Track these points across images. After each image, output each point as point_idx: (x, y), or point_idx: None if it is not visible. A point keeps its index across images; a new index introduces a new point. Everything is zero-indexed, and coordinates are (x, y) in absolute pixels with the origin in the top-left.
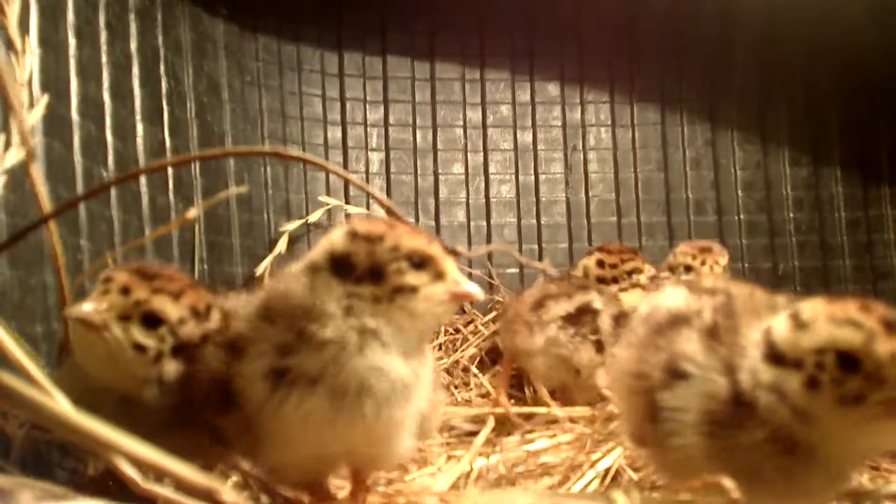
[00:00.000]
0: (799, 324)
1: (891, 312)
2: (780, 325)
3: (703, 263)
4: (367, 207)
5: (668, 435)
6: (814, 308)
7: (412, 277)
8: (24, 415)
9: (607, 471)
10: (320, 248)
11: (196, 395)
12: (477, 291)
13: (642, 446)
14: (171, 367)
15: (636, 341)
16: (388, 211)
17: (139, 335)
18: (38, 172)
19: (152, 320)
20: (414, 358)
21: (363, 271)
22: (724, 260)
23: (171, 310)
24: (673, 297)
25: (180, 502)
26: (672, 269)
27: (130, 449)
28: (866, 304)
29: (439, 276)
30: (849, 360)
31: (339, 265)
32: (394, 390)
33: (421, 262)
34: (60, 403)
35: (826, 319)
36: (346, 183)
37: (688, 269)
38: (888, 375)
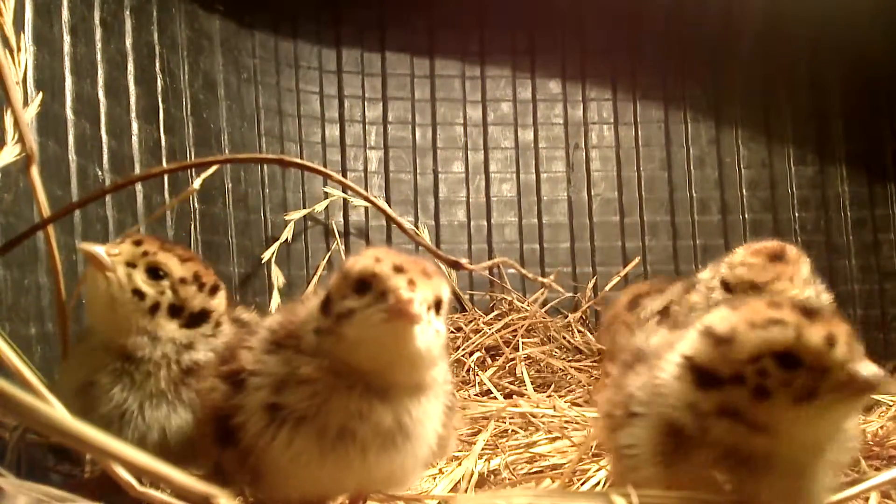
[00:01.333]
0: (718, 339)
1: (798, 301)
2: (697, 348)
3: (776, 280)
4: (366, 207)
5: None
6: (724, 320)
7: (351, 301)
8: (20, 421)
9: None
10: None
11: (198, 429)
12: (417, 309)
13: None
14: (167, 326)
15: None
16: (388, 217)
17: (140, 281)
18: (37, 175)
19: (155, 272)
20: (399, 400)
21: (325, 303)
22: (805, 269)
23: (175, 267)
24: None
25: None
26: (730, 288)
27: (126, 455)
28: (770, 301)
29: (381, 295)
30: (788, 359)
31: (326, 297)
32: (378, 436)
33: (363, 285)
34: (57, 409)
35: (747, 327)
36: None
37: (754, 287)
38: (829, 361)
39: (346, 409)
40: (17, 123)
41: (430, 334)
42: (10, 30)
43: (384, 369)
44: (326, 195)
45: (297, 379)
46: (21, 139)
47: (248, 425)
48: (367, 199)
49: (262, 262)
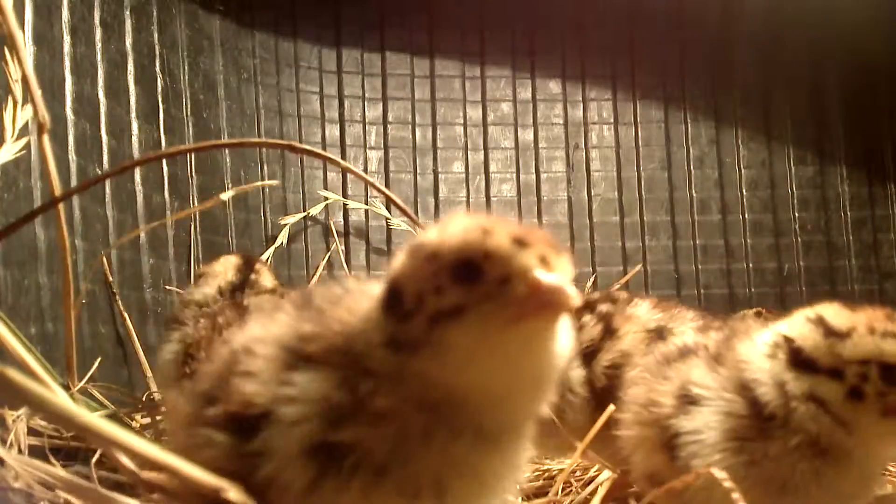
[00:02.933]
0: (830, 331)
1: None
2: (802, 332)
3: None
4: (366, 202)
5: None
6: (841, 316)
7: (453, 295)
8: (30, 409)
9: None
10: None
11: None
12: (570, 291)
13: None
14: None
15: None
16: (406, 214)
17: None
18: (48, 144)
19: None
20: (508, 439)
21: (393, 301)
22: None
23: None
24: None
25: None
26: None
27: (131, 444)
28: (891, 313)
29: (503, 282)
30: (892, 372)
31: (391, 294)
32: (483, 489)
33: (469, 270)
34: (64, 400)
35: (866, 330)
36: (344, 180)
37: None
38: None
39: (447, 456)
40: (29, 91)
41: (568, 339)
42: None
43: (504, 396)
44: (326, 198)
45: (370, 412)
46: (34, 107)
47: (285, 479)
48: (374, 186)
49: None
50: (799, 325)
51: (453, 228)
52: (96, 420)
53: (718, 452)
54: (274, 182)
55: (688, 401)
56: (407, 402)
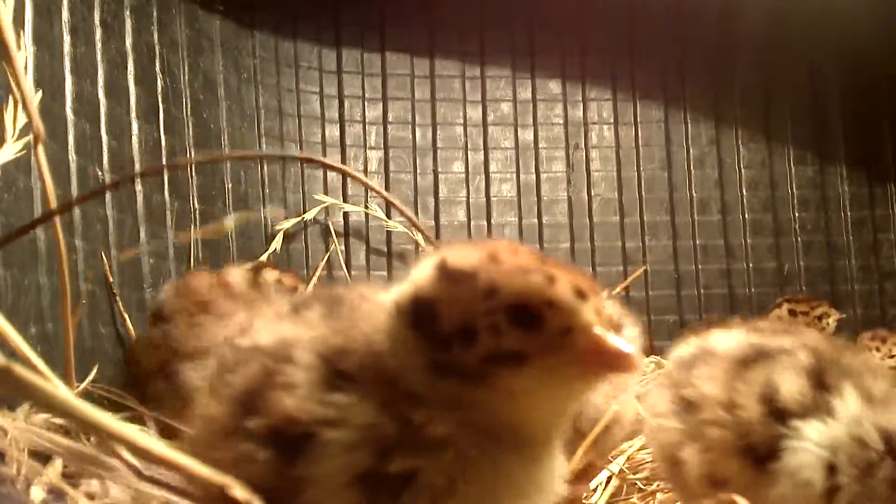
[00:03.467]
0: None
1: None
2: None
3: None
4: (366, 206)
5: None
6: None
7: (513, 340)
8: (31, 401)
9: (609, 479)
10: (408, 283)
11: None
12: (635, 353)
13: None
14: None
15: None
16: (421, 231)
17: None
18: (43, 154)
19: None
20: (543, 453)
21: (453, 327)
22: None
23: None
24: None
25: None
26: None
27: (134, 439)
28: None
29: (564, 333)
30: None
31: (423, 312)
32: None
33: (527, 314)
34: (70, 396)
35: None
36: (344, 181)
37: None
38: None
39: (500, 477)
40: (24, 102)
41: None
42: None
43: (554, 424)
44: (323, 201)
45: (426, 440)
46: (28, 118)
47: None
48: (385, 196)
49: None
50: None
51: (509, 265)
52: (103, 416)
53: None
54: (280, 212)
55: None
56: (463, 428)
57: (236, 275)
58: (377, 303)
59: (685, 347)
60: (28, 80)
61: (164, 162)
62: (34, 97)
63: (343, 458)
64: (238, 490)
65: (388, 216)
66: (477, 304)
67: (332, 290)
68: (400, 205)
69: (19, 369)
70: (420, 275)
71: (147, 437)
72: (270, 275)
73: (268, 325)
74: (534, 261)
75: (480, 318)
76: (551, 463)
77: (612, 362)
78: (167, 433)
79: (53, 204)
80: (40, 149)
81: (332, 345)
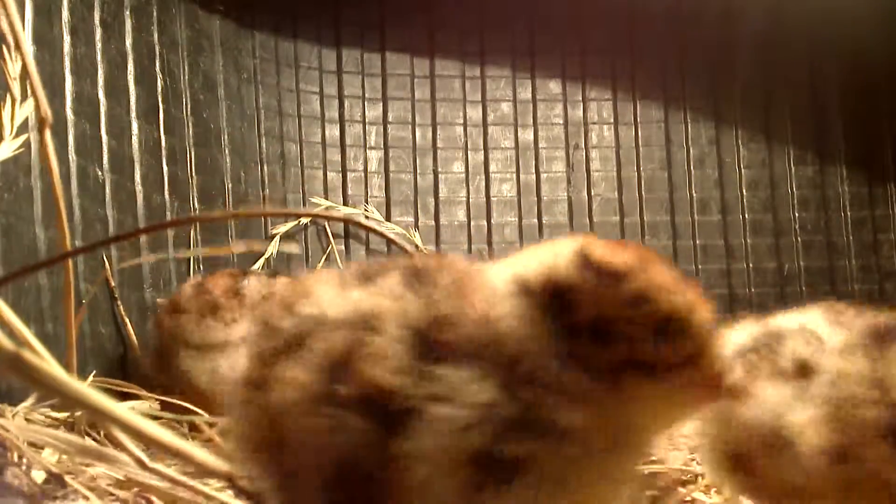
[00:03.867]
0: None
1: None
2: None
3: None
4: (365, 208)
5: None
6: None
7: (651, 353)
8: (45, 392)
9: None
10: (537, 265)
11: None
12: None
13: None
14: None
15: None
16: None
17: None
18: (50, 140)
19: None
20: (634, 453)
21: (588, 322)
22: None
23: None
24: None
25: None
26: None
27: (140, 426)
28: None
29: (697, 356)
30: None
31: (560, 301)
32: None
33: (667, 329)
34: (70, 379)
35: None
36: (344, 181)
37: None
38: None
39: (612, 470)
40: (29, 86)
41: None
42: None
43: (655, 434)
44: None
45: (553, 428)
46: (35, 101)
47: (441, 487)
48: (402, 239)
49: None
50: None
51: (661, 278)
52: (110, 402)
53: None
54: (242, 246)
55: None
56: (584, 422)
57: (253, 284)
58: (487, 277)
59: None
60: (31, 63)
61: (163, 162)
62: (24, 113)
63: (455, 437)
64: (244, 480)
65: (388, 219)
66: (622, 309)
67: (409, 259)
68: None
69: (29, 356)
70: (555, 259)
71: (154, 426)
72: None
73: (334, 294)
74: (679, 279)
75: (623, 324)
76: (638, 469)
77: (725, 395)
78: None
79: (59, 192)
80: (47, 133)
81: (432, 315)
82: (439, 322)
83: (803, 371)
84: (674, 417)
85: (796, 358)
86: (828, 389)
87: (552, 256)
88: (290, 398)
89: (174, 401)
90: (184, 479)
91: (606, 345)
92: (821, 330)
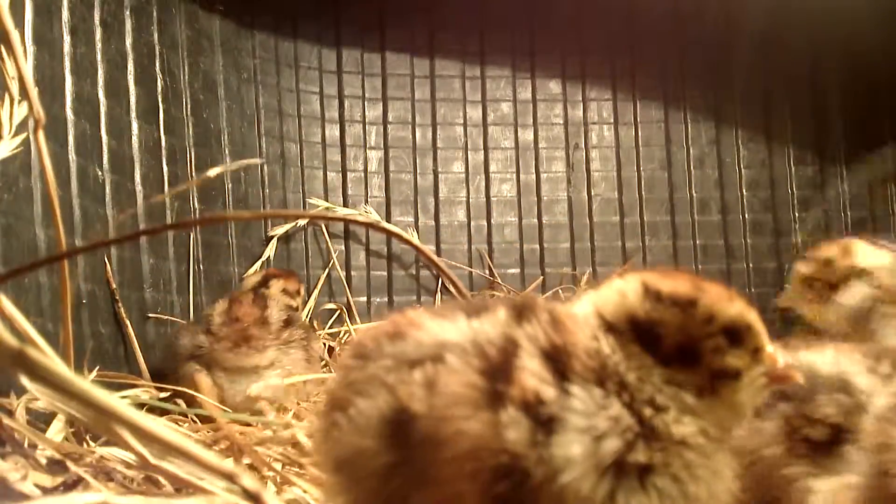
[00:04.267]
0: None
1: None
2: None
3: None
4: (365, 209)
5: None
6: None
7: (733, 359)
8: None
9: None
10: (613, 305)
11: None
12: (794, 372)
13: None
14: None
15: None
16: (438, 267)
17: None
18: (43, 140)
19: None
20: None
21: (675, 347)
22: None
23: None
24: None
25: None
26: None
27: (143, 423)
28: None
29: (756, 352)
30: None
31: (647, 334)
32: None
33: (734, 335)
34: (74, 376)
35: None
36: (344, 181)
37: None
38: None
39: (718, 475)
40: (23, 86)
41: None
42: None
43: (739, 427)
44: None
45: (671, 439)
46: (29, 104)
47: (583, 490)
48: (422, 250)
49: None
50: None
51: (716, 293)
52: (113, 399)
53: None
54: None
55: None
56: (697, 432)
57: (274, 313)
58: (577, 316)
59: None
60: (28, 67)
61: (163, 162)
62: (23, 112)
63: (594, 444)
64: (246, 479)
65: (388, 219)
66: (700, 328)
67: (514, 299)
68: (447, 270)
69: (33, 352)
70: (627, 298)
71: (157, 423)
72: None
73: (447, 324)
74: (725, 289)
75: (704, 341)
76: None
77: (789, 376)
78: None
79: (54, 193)
80: (41, 134)
81: (552, 343)
82: (559, 349)
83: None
84: (754, 406)
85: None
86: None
87: (620, 296)
88: (443, 404)
89: (176, 388)
90: (187, 476)
91: (697, 362)
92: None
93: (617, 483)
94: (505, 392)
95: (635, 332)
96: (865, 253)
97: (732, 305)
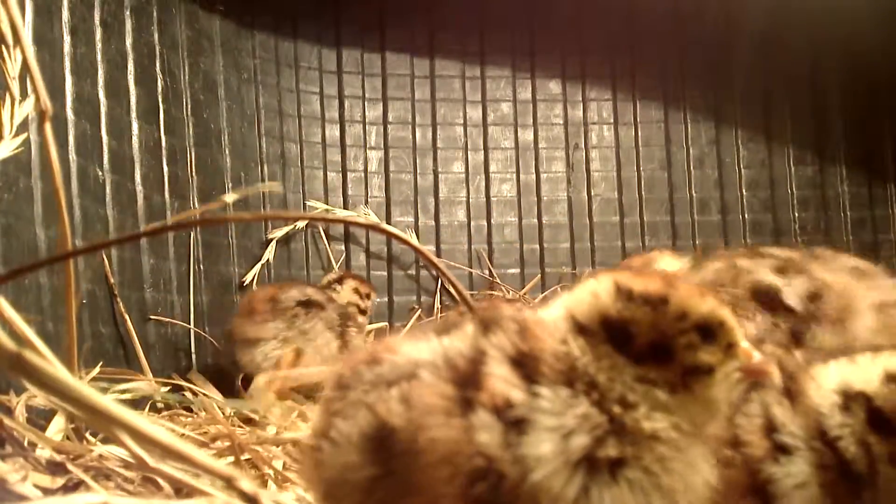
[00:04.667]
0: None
1: None
2: (880, 391)
3: None
4: (366, 204)
5: None
6: None
7: (706, 355)
8: (47, 393)
9: None
10: (585, 306)
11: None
12: (769, 366)
13: None
14: None
15: None
16: (435, 265)
17: None
18: (50, 132)
19: None
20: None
21: (647, 345)
22: None
23: None
24: None
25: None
26: None
27: (142, 428)
28: None
29: (729, 348)
30: None
31: (614, 333)
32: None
33: (707, 332)
34: (75, 380)
35: None
36: (344, 181)
37: None
38: None
39: (692, 468)
40: (24, 83)
41: None
42: (7, 28)
43: (716, 422)
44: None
45: (641, 434)
46: (35, 93)
47: (554, 487)
48: (429, 257)
49: (244, 284)
50: (873, 379)
51: (687, 290)
52: (111, 404)
53: None
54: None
55: (778, 446)
56: (669, 427)
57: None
58: (545, 320)
59: None
60: (30, 54)
61: (163, 162)
62: (23, 112)
63: (564, 442)
64: (244, 482)
65: (388, 219)
66: (672, 325)
67: (480, 313)
68: (446, 271)
69: (31, 356)
70: (599, 298)
71: (156, 427)
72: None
73: (421, 344)
74: (696, 287)
75: (677, 338)
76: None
77: (763, 371)
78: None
79: (60, 185)
80: (47, 126)
81: (519, 351)
82: (525, 355)
83: None
84: (729, 401)
85: None
86: None
87: (593, 297)
88: (418, 415)
89: (178, 383)
90: (186, 478)
91: (670, 359)
92: None
93: (590, 478)
94: (475, 398)
95: (607, 331)
96: (667, 262)
97: (704, 302)
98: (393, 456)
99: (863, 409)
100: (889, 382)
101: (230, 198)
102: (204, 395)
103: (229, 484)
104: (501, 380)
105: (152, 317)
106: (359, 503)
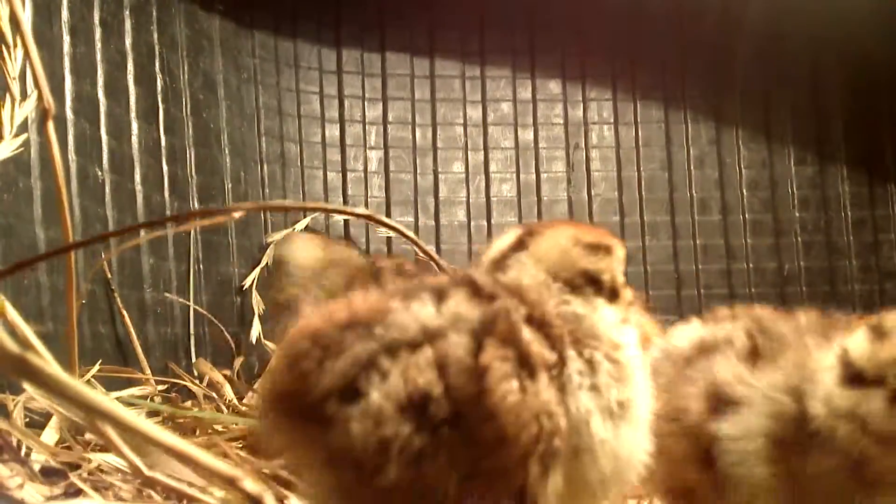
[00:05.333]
0: (878, 335)
1: None
2: (856, 342)
3: None
4: (366, 204)
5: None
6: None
7: None
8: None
9: None
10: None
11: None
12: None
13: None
14: None
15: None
16: (436, 263)
17: None
18: (52, 131)
19: None
20: None
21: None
22: None
23: None
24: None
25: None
26: None
27: (145, 429)
28: None
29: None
30: None
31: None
32: None
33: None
34: (75, 382)
35: None
36: (344, 181)
37: None
38: None
39: None
40: (34, 77)
41: None
42: (7, 27)
43: None
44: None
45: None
46: (38, 92)
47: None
48: (420, 245)
49: (244, 288)
50: (859, 335)
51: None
52: (114, 405)
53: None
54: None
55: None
56: None
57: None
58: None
59: None
60: (34, 54)
61: (163, 162)
62: (23, 111)
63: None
64: (248, 482)
65: (388, 218)
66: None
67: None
68: (444, 264)
69: (34, 359)
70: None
71: (159, 429)
72: None
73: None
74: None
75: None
76: None
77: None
78: None
79: (62, 181)
80: (50, 125)
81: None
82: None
83: None
84: None
85: None
86: None
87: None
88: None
89: (180, 382)
90: (182, 486)
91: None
92: None
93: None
94: (535, 362)
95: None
96: None
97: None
98: (442, 422)
99: (840, 363)
100: (868, 331)
101: (237, 214)
102: (204, 395)
103: (232, 485)
104: (536, 343)
105: (151, 315)
106: (402, 478)
